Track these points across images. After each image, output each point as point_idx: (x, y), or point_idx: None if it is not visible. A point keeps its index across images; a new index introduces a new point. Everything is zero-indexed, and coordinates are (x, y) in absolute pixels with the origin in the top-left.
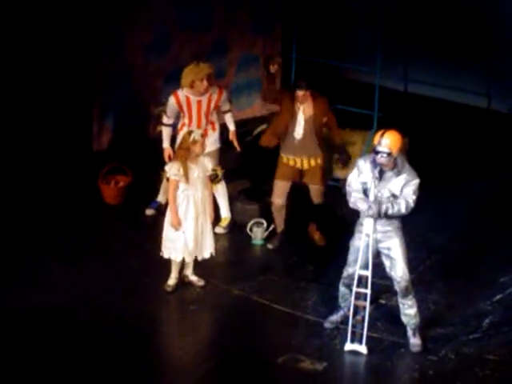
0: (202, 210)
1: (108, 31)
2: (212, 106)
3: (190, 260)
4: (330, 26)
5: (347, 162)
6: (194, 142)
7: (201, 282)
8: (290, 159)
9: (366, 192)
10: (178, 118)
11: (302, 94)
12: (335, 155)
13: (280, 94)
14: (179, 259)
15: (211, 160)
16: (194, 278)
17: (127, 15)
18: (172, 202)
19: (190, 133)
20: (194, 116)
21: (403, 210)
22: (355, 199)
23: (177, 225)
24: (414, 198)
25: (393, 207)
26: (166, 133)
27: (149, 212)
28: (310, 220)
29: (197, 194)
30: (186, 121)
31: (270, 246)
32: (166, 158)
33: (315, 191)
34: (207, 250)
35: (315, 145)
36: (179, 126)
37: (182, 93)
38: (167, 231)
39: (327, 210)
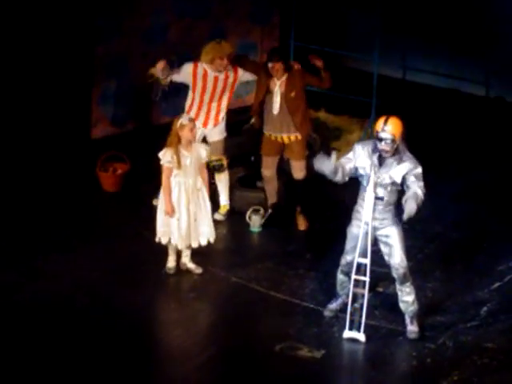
0: (195, 198)
1: (106, 18)
2: (229, 84)
3: (181, 247)
4: (328, 14)
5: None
6: (182, 126)
7: (199, 270)
8: (272, 135)
9: (362, 178)
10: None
11: (271, 65)
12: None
13: (258, 66)
14: (171, 243)
15: (207, 148)
16: (191, 266)
17: (125, 2)
18: (166, 189)
19: (178, 118)
20: (208, 92)
21: (423, 197)
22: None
23: (170, 212)
24: (422, 184)
25: (417, 197)
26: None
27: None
28: (295, 201)
29: (188, 181)
30: (198, 98)
31: (261, 212)
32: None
33: (295, 166)
34: (204, 237)
35: (293, 122)
36: (186, 107)
37: (201, 65)
38: (160, 217)
39: (309, 186)
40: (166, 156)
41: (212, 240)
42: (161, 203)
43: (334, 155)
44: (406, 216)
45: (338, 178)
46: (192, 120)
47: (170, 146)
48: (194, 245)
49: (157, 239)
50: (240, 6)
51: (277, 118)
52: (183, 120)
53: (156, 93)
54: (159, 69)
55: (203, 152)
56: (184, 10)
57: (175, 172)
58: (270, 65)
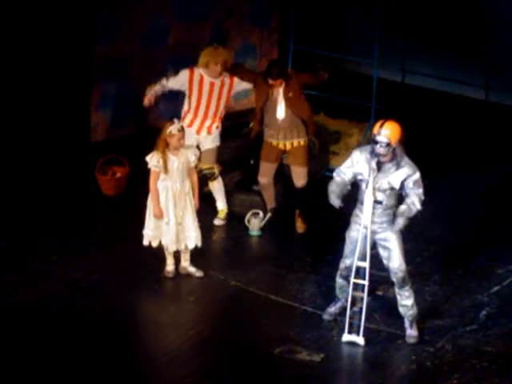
0: (182, 202)
1: (105, 21)
2: (224, 91)
3: (171, 250)
4: (327, 17)
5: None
6: (171, 135)
7: (199, 273)
8: (274, 142)
9: (361, 183)
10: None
11: (272, 83)
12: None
13: (255, 76)
14: (163, 245)
15: (195, 152)
16: (192, 269)
17: (124, 4)
18: (153, 192)
19: (170, 124)
20: (204, 98)
21: (419, 207)
22: (330, 190)
23: (159, 215)
24: (422, 190)
25: (411, 210)
26: (157, 86)
27: None
28: (294, 205)
29: (175, 185)
30: (194, 104)
31: (260, 216)
32: (145, 101)
33: (297, 173)
34: (191, 241)
35: (298, 126)
36: (183, 114)
37: (198, 71)
38: (149, 220)
39: (308, 190)
40: (152, 160)
41: (199, 244)
42: (149, 207)
43: (334, 180)
44: (395, 228)
45: (345, 192)
46: (181, 129)
47: (158, 149)
48: (181, 248)
49: (146, 242)
50: (239, 9)
51: (282, 123)
52: (173, 129)
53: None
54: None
55: (191, 156)
56: (184, 13)
57: (162, 176)
58: (270, 81)
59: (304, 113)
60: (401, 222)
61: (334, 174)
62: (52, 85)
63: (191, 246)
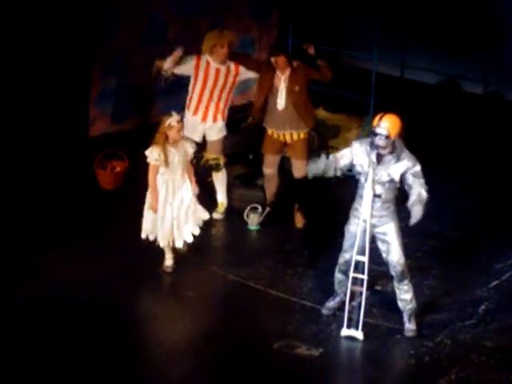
0: (180, 194)
1: (104, 17)
2: (229, 80)
3: (163, 245)
4: (326, 12)
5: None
6: (170, 127)
7: (182, 247)
8: (274, 133)
9: (360, 176)
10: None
11: (274, 60)
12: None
13: (260, 64)
14: (152, 238)
15: (193, 145)
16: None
17: (123, 1)
18: (152, 186)
19: (168, 116)
20: (209, 84)
21: (426, 194)
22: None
23: (156, 209)
24: (423, 180)
25: (422, 198)
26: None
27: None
28: (293, 198)
29: (175, 177)
30: (198, 90)
31: (259, 210)
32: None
33: (297, 165)
34: (180, 239)
35: (298, 117)
36: (187, 101)
37: (204, 57)
38: (146, 214)
39: (308, 184)
40: (153, 154)
41: (188, 240)
42: (147, 200)
43: (323, 156)
44: (413, 221)
45: (330, 174)
46: (180, 121)
47: (157, 143)
48: (179, 245)
49: (143, 235)
50: (239, 3)
51: (281, 114)
52: (172, 121)
53: (161, 82)
54: (174, 58)
55: (190, 149)
56: (183, 8)
57: (162, 170)
58: (272, 59)
59: (302, 107)
60: (417, 210)
61: (330, 156)
62: (51, 80)
63: (179, 245)
